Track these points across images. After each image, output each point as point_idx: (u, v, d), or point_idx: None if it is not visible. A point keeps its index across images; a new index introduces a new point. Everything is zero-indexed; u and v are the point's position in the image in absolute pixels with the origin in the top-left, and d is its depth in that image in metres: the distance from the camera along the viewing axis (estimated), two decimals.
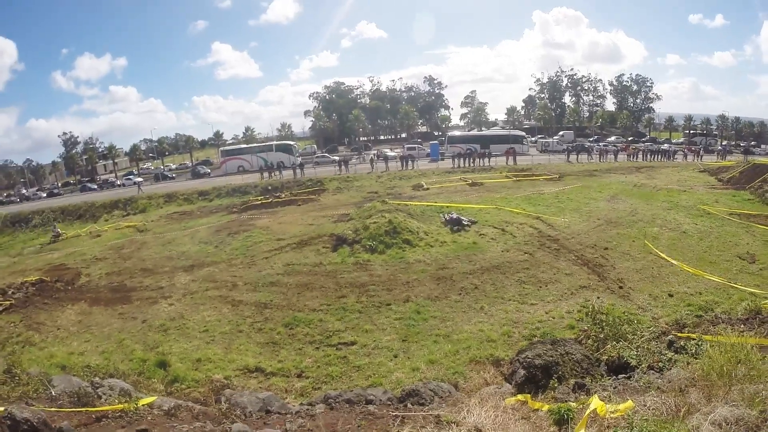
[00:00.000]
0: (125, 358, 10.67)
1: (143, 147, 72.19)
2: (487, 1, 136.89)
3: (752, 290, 11.71)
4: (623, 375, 6.21)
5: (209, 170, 52.07)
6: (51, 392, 5.98)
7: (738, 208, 20.79)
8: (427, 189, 28.05)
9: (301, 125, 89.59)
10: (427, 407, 5.61)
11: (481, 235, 17.49)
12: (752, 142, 56.28)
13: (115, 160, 66.58)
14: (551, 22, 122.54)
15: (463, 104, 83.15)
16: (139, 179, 45.35)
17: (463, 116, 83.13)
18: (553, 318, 11.07)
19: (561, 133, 64.05)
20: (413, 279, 13.98)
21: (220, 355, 10.57)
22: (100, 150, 69.35)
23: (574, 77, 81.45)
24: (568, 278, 13.44)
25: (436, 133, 76.05)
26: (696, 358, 5.92)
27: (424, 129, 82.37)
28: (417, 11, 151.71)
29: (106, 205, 33.03)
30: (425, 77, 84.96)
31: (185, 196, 33.61)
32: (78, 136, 69.96)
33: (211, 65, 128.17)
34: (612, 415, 4.00)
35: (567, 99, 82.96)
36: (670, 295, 12.02)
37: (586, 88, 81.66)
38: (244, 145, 56.60)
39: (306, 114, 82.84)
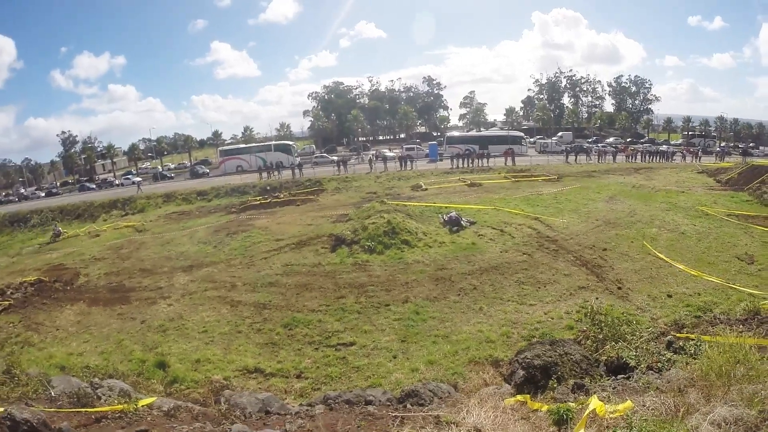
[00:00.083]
0: (124, 359, 10.68)
1: (142, 146, 72.07)
2: (487, 2, 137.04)
3: (751, 291, 11.73)
4: (622, 375, 6.24)
5: (208, 170, 51.95)
6: (50, 393, 5.98)
7: (736, 209, 20.83)
8: (426, 189, 28.01)
9: (300, 125, 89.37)
10: (426, 408, 5.63)
11: (479, 235, 17.50)
12: (751, 144, 56.31)
13: (114, 160, 66.46)
14: (550, 22, 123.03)
15: (462, 105, 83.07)
16: (138, 179, 45.18)
17: (461, 117, 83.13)
18: (552, 318, 11.08)
19: (560, 134, 64.11)
20: (412, 279, 13.98)
21: (219, 356, 10.57)
22: (99, 149, 69.11)
23: (573, 78, 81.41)
24: (567, 279, 13.45)
25: (434, 134, 75.97)
26: (695, 359, 5.95)
27: (422, 129, 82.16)
28: (416, 11, 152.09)
29: (104, 204, 32.95)
30: (424, 77, 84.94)
31: (184, 196, 33.53)
32: (77, 135, 69.79)
33: (210, 64, 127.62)
34: (611, 416, 4.02)
35: (566, 100, 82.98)
36: (669, 296, 12.04)
37: (585, 89, 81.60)
38: (243, 145, 56.45)
39: (305, 114, 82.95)
